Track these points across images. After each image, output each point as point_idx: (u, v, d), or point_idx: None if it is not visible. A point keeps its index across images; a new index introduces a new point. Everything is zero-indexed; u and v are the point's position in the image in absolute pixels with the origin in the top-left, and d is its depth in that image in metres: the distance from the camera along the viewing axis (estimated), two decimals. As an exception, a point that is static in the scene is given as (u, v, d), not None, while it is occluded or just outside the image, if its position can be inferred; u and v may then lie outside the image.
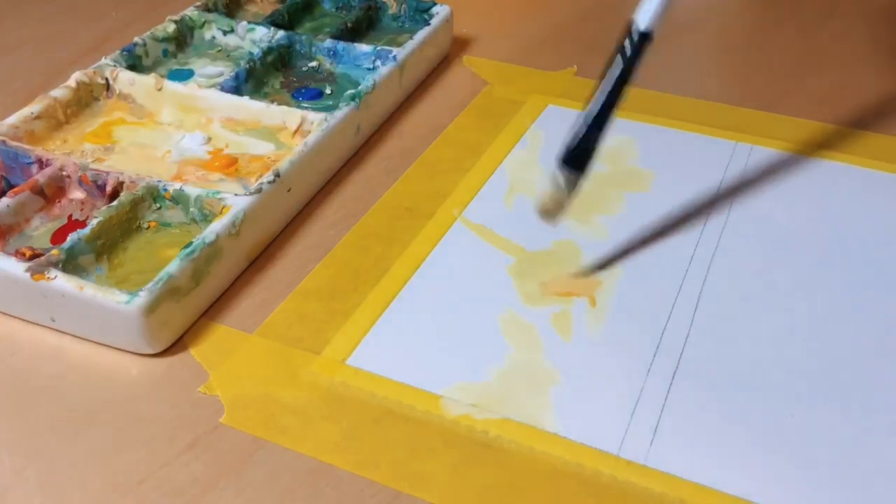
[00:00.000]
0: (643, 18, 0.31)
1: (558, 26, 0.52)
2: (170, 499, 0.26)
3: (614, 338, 0.31)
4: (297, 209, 0.37)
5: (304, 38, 0.45)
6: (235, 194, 0.34)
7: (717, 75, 0.47)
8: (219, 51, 0.47)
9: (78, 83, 0.41)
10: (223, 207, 0.34)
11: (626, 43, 0.31)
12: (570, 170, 0.30)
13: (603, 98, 0.30)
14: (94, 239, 0.33)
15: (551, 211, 0.31)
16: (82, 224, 0.34)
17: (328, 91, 0.44)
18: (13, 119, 0.38)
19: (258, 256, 0.35)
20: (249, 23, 0.46)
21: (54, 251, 0.31)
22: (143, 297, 0.29)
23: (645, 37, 0.31)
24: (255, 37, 0.46)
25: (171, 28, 0.46)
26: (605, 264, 0.34)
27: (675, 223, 0.37)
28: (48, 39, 0.51)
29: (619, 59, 0.31)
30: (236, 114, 0.40)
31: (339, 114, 0.39)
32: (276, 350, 0.31)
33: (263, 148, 0.39)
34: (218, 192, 0.34)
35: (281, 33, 0.46)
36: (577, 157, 0.30)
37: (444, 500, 0.26)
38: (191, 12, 0.47)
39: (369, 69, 0.44)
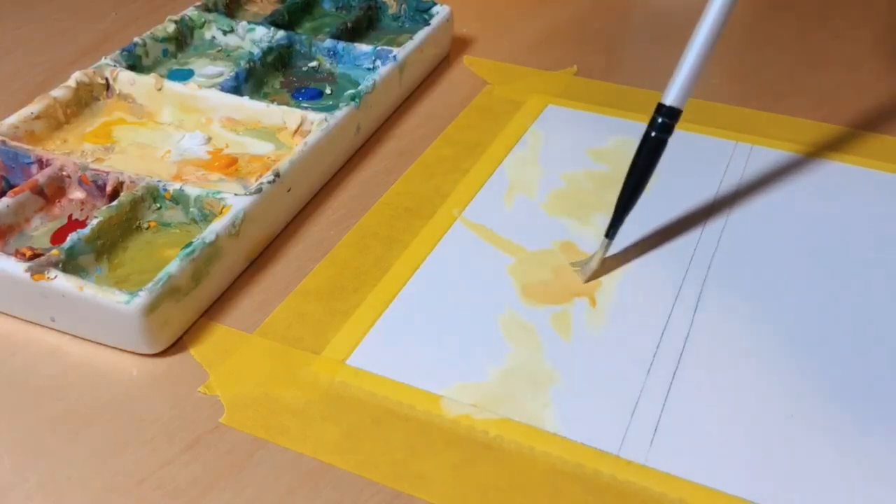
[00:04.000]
0: (670, 96, 0.33)
1: (558, 26, 0.52)
2: (170, 499, 0.26)
3: (614, 338, 0.31)
4: (297, 209, 0.37)
5: (304, 38, 0.45)
6: (235, 194, 0.34)
7: (717, 75, 0.47)
8: (219, 51, 0.47)
9: (78, 83, 0.41)
10: (223, 207, 0.34)
11: (657, 119, 0.33)
12: (611, 238, 0.34)
13: (637, 174, 0.34)
14: (94, 239, 0.33)
15: (594, 270, 0.34)
16: (82, 224, 0.34)
17: (328, 91, 0.44)
18: (13, 119, 0.38)
19: (258, 256, 0.35)
20: (249, 23, 0.46)
21: (54, 251, 0.31)
22: (143, 297, 0.29)
23: (673, 112, 0.33)
24: (255, 37, 0.46)
25: (171, 28, 0.46)
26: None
27: (675, 223, 0.37)
28: (48, 39, 0.51)
29: (650, 134, 0.33)
30: (236, 114, 0.40)
31: (339, 114, 0.39)
32: (276, 350, 0.31)
33: (263, 148, 0.39)
34: (218, 192, 0.34)
35: (281, 33, 0.46)
36: (616, 228, 0.34)
37: (444, 500, 0.26)
38: (191, 12, 0.47)
39: (369, 69, 0.44)
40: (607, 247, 0.34)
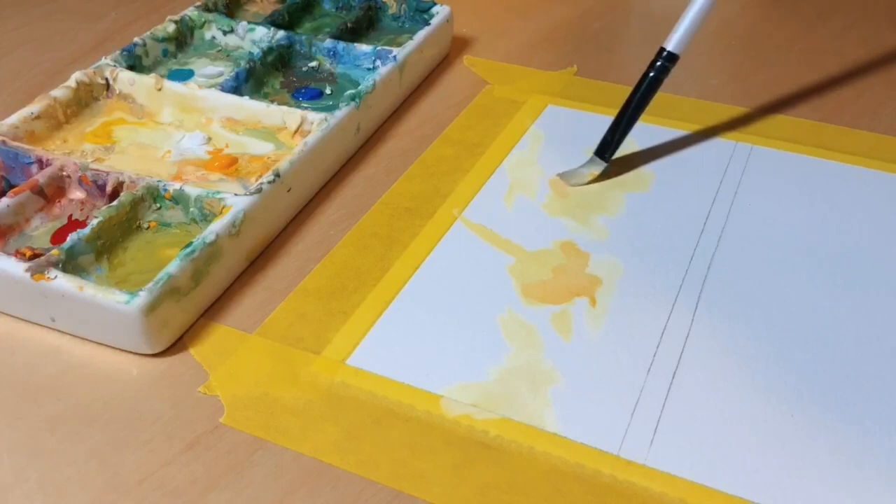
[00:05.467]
0: (672, 43, 0.38)
1: (558, 26, 0.52)
2: (170, 499, 0.26)
3: (614, 338, 0.31)
4: (297, 209, 0.37)
5: (304, 38, 0.45)
6: (235, 194, 0.34)
7: (717, 75, 0.47)
8: (219, 51, 0.47)
9: (78, 83, 0.41)
10: (223, 207, 0.34)
11: (657, 62, 0.38)
12: (601, 160, 0.39)
13: (631, 105, 0.39)
14: (94, 239, 0.33)
15: (573, 179, 0.39)
16: (82, 224, 0.34)
17: (328, 91, 0.44)
18: (13, 119, 0.38)
19: (258, 256, 0.35)
20: (249, 23, 0.46)
21: (54, 251, 0.31)
22: (143, 297, 0.29)
23: (672, 57, 0.38)
24: (255, 37, 0.46)
25: (171, 28, 0.46)
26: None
27: (675, 223, 0.37)
28: (48, 39, 0.51)
29: (648, 75, 0.38)
30: (236, 114, 0.40)
31: (339, 114, 0.39)
32: (276, 350, 0.31)
33: (263, 148, 0.39)
34: (218, 192, 0.34)
35: (281, 33, 0.46)
36: (605, 150, 0.39)
37: (444, 500, 0.26)
38: (191, 12, 0.47)
39: (369, 69, 0.44)
40: (602, 168, 0.38)
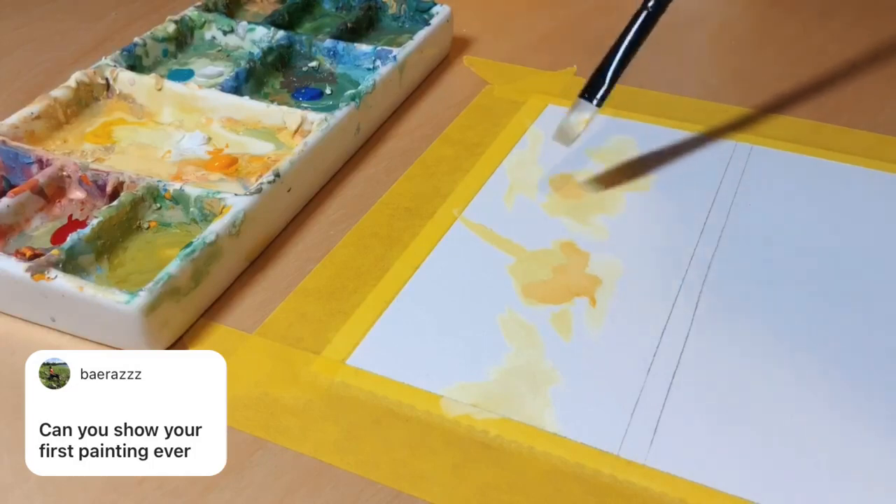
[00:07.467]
0: None
1: (558, 26, 0.52)
2: (170, 499, 0.26)
3: (614, 338, 0.31)
4: (297, 209, 0.37)
5: (304, 38, 0.45)
6: (235, 194, 0.34)
7: (717, 75, 0.47)
8: (219, 51, 0.47)
9: (78, 83, 0.41)
10: (223, 207, 0.34)
11: None
12: (587, 99, 0.36)
13: (626, 38, 0.36)
14: (94, 239, 0.33)
15: (567, 134, 0.37)
16: (82, 224, 0.34)
17: (328, 91, 0.44)
18: (13, 119, 0.38)
19: (258, 256, 0.35)
20: (249, 23, 0.46)
21: (54, 251, 0.31)
22: (143, 297, 0.29)
23: None
24: (255, 37, 0.46)
25: (171, 28, 0.46)
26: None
27: (675, 223, 0.36)
28: (48, 39, 0.51)
29: (643, 10, 0.36)
30: (236, 114, 0.40)
31: (339, 114, 0.39)
32: (276, 350, 0.31)
33: (263, 148, 0.39)
34: (218, 192, 0.34)
35: (281, 33, 0.46)
36: (595, 92, 0.36)
37: (444, 500, 0.26)
38: (191, 12, 0.47)
39: (369, 69, 0.44)
40: (592, 112, 0.36)
